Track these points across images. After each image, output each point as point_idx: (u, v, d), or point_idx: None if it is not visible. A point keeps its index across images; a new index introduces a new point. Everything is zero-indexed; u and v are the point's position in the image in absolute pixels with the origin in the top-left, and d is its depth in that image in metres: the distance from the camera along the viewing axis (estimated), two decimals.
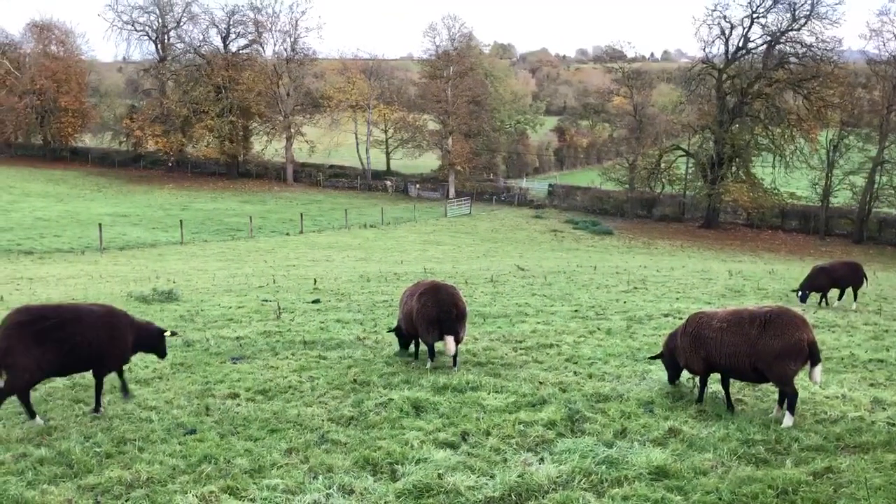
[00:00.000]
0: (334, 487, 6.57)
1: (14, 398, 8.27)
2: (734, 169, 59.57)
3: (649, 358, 10.88)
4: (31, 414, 8.37)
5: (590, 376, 10.60)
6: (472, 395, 9.38)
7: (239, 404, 9.12)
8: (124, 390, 9.34)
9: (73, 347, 8.37)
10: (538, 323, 15.08)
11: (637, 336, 13.78)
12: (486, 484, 6.68)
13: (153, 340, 9.52)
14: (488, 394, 9.46)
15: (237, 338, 13.18)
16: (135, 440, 7.77)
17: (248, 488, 6.55)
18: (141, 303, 17.93)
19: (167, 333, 9.66)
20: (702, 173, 60.27)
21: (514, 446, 7.69)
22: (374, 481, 6.76)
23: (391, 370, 10.83)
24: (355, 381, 10.18)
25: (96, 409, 8.81)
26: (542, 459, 7.26)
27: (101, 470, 7.01)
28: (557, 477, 6.79)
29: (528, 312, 16.56)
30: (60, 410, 8.87)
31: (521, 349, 12.44)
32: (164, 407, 8.97)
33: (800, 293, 18.93)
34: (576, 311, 16.91)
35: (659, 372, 10.44)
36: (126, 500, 6.37)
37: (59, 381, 10.13)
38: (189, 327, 14.44)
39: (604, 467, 6.98)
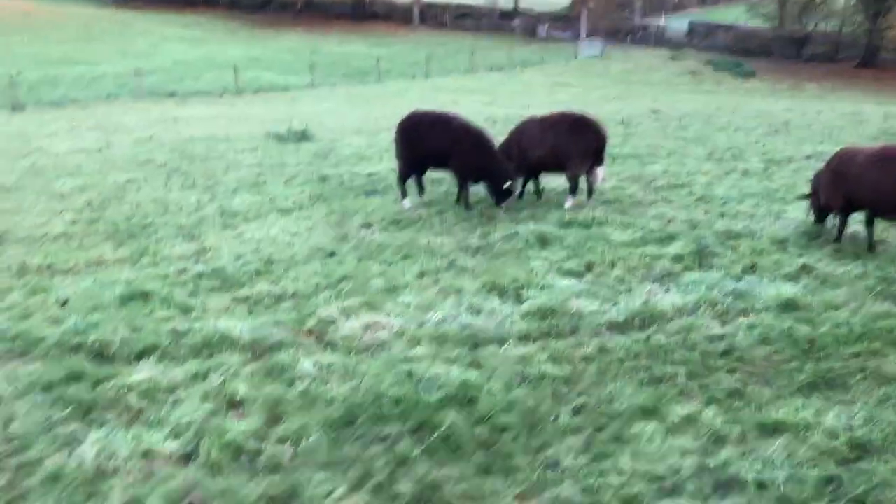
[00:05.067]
0: (463, 307, 6.94)
1: None
2: None
3: (797, 197, 10.45)
4: (404, 194, 10.91)
5: (721, 215, 10.35)
6: (598, 231, 9.44)
7: (374, 233, 9.60)
8: (465, 202, 10.75)
9: (433, 148, 10.44)
10: (670, 164, 14.66)
11: (775, 178, 13.18)
12: (610, 310, 6.85)
13: (494, 175, 10.32)
14: (615, 229, 9.48)
15: (369, 174, 13.63)
16: (280, 261, 8.41)
17: (385, 304, 7.03)
18: (277, 142, 18.71)
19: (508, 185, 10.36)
20: (864, 6, 54.35)
21: (640, 277, 7.76)
22: (501, 303, 7.07)
23: (518, 205, 10.97)
24: (483, 215, 10.43)
25: (466, 207, 10.71)
26: (667, 290, 7.32)
27: (252, 285, 7.68)
28: (682, 306, 6.86)
29: (660, 154, 16.09)
30: (213, 234, 9.64)
31: (650, 189, 12.23)
32: (305, 233, 9.57)
33: None
34: (711, 153, 16.28)
35: (796, 212, 10.06)
36: (275, 310, 7.00)
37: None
38: (323, 164, 15.03)
39: (730, 299, 6.99)
